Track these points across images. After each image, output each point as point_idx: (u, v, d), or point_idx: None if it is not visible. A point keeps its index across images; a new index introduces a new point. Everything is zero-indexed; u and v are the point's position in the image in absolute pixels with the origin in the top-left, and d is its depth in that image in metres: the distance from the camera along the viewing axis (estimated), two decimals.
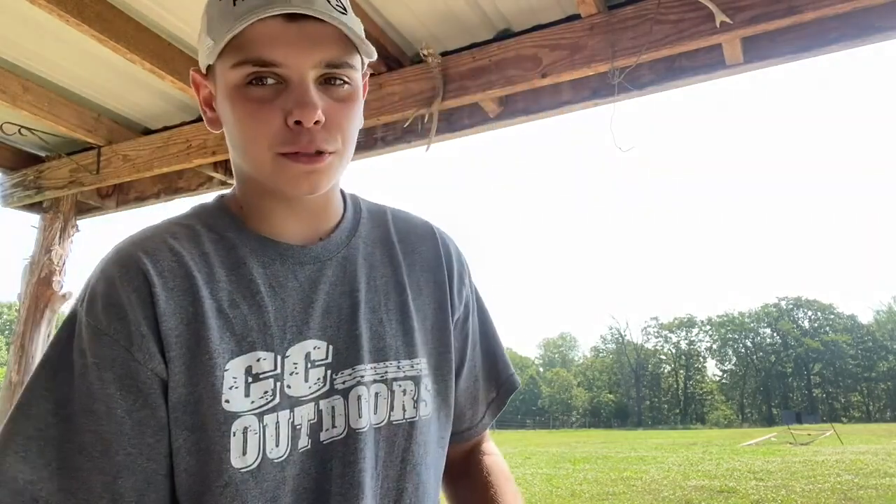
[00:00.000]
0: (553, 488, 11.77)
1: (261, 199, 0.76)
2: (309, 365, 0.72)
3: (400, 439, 0.76)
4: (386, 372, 0.77)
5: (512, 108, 2.41)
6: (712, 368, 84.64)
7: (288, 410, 0.70)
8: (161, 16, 2.20)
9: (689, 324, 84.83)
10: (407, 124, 2.44)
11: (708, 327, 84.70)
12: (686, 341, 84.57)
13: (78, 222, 3.37)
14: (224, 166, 3.00)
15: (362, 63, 0.73)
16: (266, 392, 0.69)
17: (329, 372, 0.73)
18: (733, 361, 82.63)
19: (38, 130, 2.94)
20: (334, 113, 0.69)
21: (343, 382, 0.74)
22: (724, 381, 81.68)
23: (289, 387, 0.71)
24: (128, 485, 0.64)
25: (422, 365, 0.80)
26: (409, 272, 0.84)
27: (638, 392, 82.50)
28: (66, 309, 3.39)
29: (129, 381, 0.66)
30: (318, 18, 0.66)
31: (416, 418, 0.78)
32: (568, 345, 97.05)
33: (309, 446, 0.71)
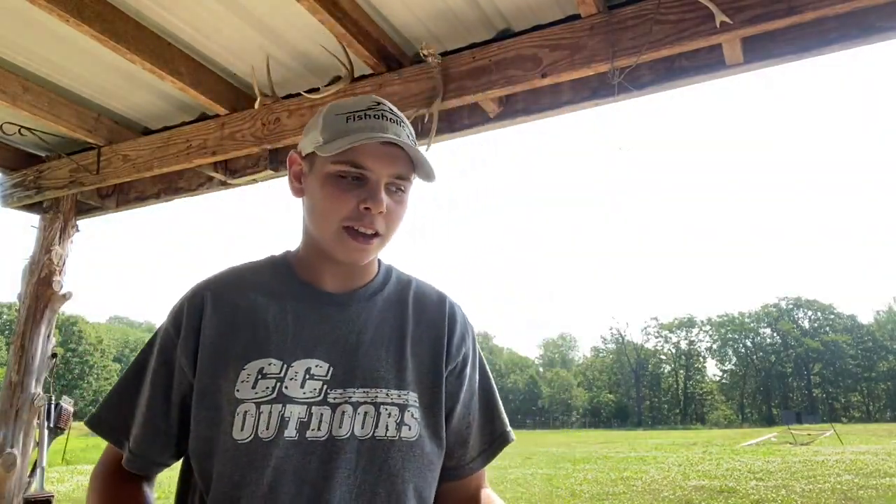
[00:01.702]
0: (553, 488, 11.76)
1: (314, 256, 1.04)
2: (307, 376, 0.95)
3: (380, 452, 0.95)
4: (376, 396, 0.97)
5: (512, 108, 2.41)
6: (712, 368, 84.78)
7: (281, 405, 0.93)
8: (161, 16, 2.21)
9: (689, 324, 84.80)
10: None
11: (708, 327, 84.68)
12: (686, 341, 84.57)
13: (78, 222, 3.37)
14: (224, 166, 3.00)
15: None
16: (267, 388, 0.94)
17: (325, 387, 0.96)
18: (733, 361, 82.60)
19: (38, 130, 2.94)
20: (391, 209, 0.97)
21: (334, 398, 0.95)
22: (724, 381, 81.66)
23: (286, 388, 0.94)
24: (141, 433, 0.99)
25: (409, 397, 1.00)
26: (415, 327, 1.06)
27: (638, 392, 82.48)
28: (65, 309, 3.40)
29: (169, 366, 1.00)
30: (397, 145, 0.95)
31: (397, 438, 0.97)
32: (568, 345, 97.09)
33: (296, 438, 0.92)
